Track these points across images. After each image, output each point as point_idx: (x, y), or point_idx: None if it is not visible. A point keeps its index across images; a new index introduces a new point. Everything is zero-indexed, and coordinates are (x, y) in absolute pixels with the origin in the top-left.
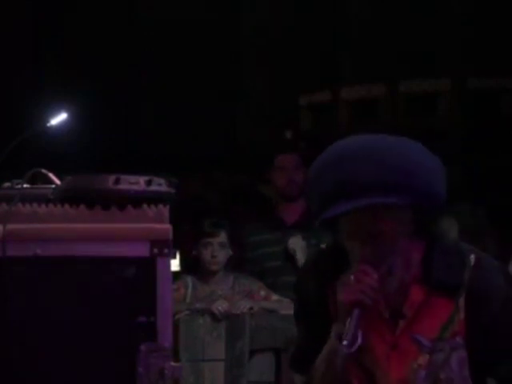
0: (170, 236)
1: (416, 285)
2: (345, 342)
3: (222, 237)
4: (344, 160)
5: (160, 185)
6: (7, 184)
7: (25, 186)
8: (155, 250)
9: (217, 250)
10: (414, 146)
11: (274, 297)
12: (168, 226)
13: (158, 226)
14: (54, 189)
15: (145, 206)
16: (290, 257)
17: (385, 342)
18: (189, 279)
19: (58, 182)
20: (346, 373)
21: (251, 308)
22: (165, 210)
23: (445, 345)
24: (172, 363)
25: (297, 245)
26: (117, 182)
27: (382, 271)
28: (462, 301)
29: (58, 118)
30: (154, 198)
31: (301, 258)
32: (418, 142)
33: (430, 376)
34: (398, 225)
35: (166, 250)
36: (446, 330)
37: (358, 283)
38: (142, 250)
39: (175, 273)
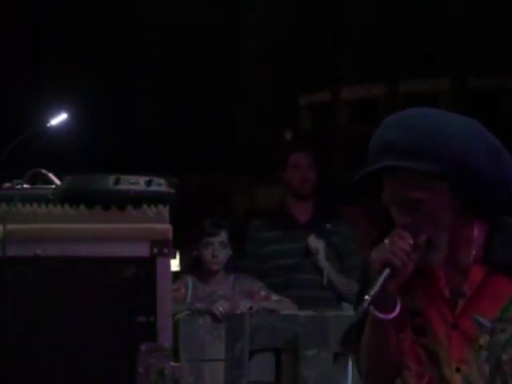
0: (170, 236)
1: (477, 265)
2: (366, 297)
3: (223, 236)
4: (384, 128)
5: (160, 185)
6: (7, 184)
7: (25, 186)
8: (155, 250)
9: (217, 249)
10: (458, 121)
11: (274, 297)
12: (168, 226)
13: (157, 226)
14: (53, 189)
15: (145, 206)
16: (308, 255)
17: (445, 321)
18: (189, 279)
19: (57, 182)
20: (396, 349)
21: (251, 308)
22: (165, 210)
23: (507, 325)
24: (172, 363)
25: (319, 244)
26: (117, 182)
27: (420, 240)
28: None
29: (58, 118)
30: (154, 199)
31: (322, 257)
32: (470, 119)
33: (491, 357)
34: (432, 195)
35: (165, 250)
36: (508, 311)
37: (391, 245)
38: (142, 250)
39: (175, 273)
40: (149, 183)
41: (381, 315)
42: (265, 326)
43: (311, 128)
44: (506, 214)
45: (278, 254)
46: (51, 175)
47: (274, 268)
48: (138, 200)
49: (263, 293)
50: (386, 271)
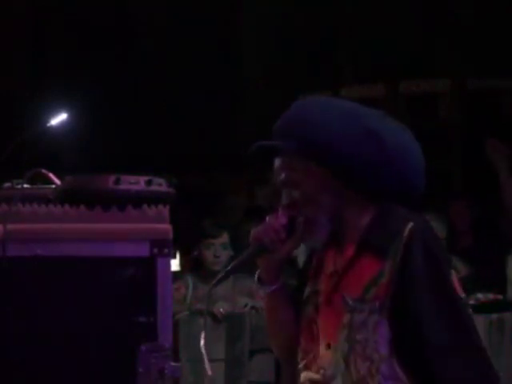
0: (170, 236)
1: (352, 244)
2: (228, 268)
3: (224, 237)
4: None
5: (160, 185)
6: (7, 184)
7: (25, 186)
8: (155, 250)
9: (219, 250)
10: (320, 103)
11: None
12: (168, 226)
13: (157, 226)
14: (54, 189)
15: (145, 206)
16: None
17: (323, 297)
18: (189, 279)
19: (57, 182)
20: (288, 320)
21: (246, 305)
22: (165, 210)
23: (364, 306)
24: (172, 363)
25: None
26: (117, 182)
27: (299, 220)
28: (388, 266)
29: (58, 118)
30: (154, 198)
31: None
32: (337, 101)
33: (349, 336)
34: (301, 175)
35: (166, 250)
36: (369, 291)
37: (266, 223)
38: (142, 250)
39: (175, 273)
40: (149, 183)
41: (261, 287)
42: (265, 325)
43: None
44: (415, 208)
45: None
46: (51, 175)
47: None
48: (138, 200)
49: None
50: (255, 246)
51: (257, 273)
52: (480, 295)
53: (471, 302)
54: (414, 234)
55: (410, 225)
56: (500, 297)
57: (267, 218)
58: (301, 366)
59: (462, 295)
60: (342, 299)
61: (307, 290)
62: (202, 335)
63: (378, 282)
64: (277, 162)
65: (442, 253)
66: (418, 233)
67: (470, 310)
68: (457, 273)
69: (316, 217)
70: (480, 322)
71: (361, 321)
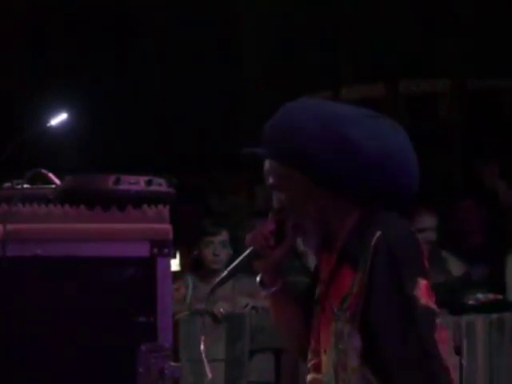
0: (170, 236)
1: (336, 253)
2: (223, 275)
3: (224, 235)
4: None
5: (160, 185)
6: (7, 184)
7: (25, 186)
8: (155, 250)
9: (219, 248)
10: (300, 109)
11: None
12: (168, 226)
13: (157, 226)
14: (53, 189)
15: (145, 206)
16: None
17: (317, 304)
18: (189, 279)
19: (57, 182)
20: (293, 319)
21: (247, 305)
22: (165, 210)
23: (342, 315)
24: (172, 363)
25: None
26: (117, 182)
27: (287, 226)
28: (358, 276)
29: (58, 118)
30: (154, 198)
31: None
32: (318, 107)
33: (336, 344)
34: (286, 182)
35: (165, 250)
36: (346, 301)
37: (256, 230)
38: (141, 250)
39: (175, 272)
40: (149, 183)
41: (261, 289)
42: (265, 326)
43: None
44: (409, 208)
45: None
46: (51, 175)
47: None
48: (138, 200)
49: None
50: (248, 251)
51: (258, 276)
52: (480, 295)
53: (471, 302)
54: (381, 242)
55: (378, 233)
56: (500, 297)
57: (257, 225)
58: (309, 365)
59: (430, 303)
60: (330, 307)
61: (317, 291)
62: (202, 339)
63: (353, 291)
64: (266, 164)
65: (407, 261)
66: (385, 241)
67: (438, 319)
68: (453, 273)
69: (304, 222)
70: (480, 321)
71: (341, 330)
